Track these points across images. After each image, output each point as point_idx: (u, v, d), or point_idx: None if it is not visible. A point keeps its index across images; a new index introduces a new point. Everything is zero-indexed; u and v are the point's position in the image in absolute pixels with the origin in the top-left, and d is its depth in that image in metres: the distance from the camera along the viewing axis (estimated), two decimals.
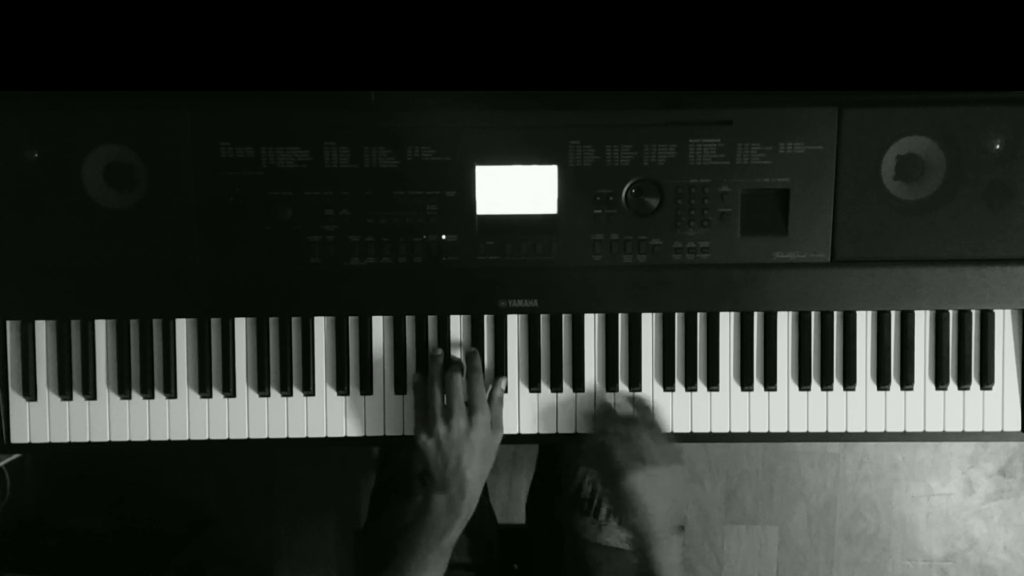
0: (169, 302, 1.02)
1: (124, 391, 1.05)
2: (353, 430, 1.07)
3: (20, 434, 1.06)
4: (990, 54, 0.96)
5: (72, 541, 1.75)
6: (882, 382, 1.06)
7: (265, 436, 1.07)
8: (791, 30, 0.96)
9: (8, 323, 1.05)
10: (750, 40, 0.97)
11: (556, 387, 1.06)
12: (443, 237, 1.01)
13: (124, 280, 1.01)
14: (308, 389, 1.06)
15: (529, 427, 1.07)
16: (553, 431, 1.07)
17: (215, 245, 1.01)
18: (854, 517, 1.90)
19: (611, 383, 1.06)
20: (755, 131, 0.99)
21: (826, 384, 1.07)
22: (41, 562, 1.68)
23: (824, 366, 1.07)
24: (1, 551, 1.69)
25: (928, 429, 1.07)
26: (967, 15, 0.95)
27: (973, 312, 1.06)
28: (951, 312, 1.06)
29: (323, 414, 1.07)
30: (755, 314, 1.06)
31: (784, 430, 1.07)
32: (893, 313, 1.06)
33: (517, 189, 1.01)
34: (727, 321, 1.07)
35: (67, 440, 1.06)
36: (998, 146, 0.99)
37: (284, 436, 1.07)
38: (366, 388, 1.07)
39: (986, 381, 1.06)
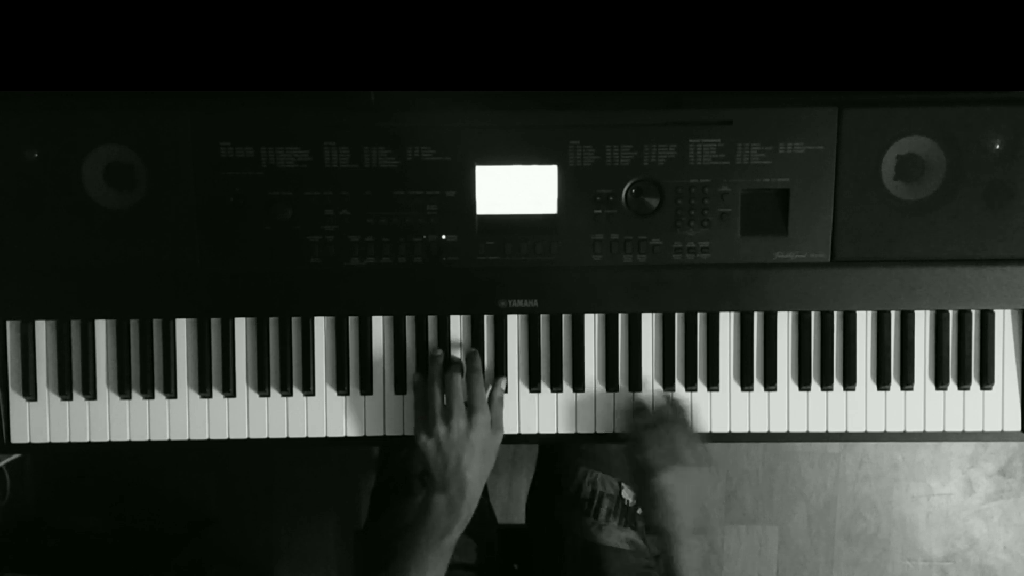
0: (169, 302, 1.02)
1: (124, 391, 1.05)
2: (353, 430, 1.07)
3: (20, 434, 1.06)
4: (990, 54, 0.96)
5: (72, 541, 1.75)
6: (882, 382, 1.06)
7: (265, 436, 1.07)
8: (791, 30, 0.96)
9: (8, 323, 1.05)
10: (750, 40, 0.97)
11: (556, 387, 1.06)
12: (443, 237, 1.01)
13: (124, 280, 1.01)
14: (308, 389, 1.06)
15: (529, 427, 1.07)
16: (553, 431, 1.07)
17: (215, 245, 1.01)
18: (854, 517, 1.90)
19: (611, 383, 1.06)
20: (755, 131, 0.99)
21: (826, 384, 1.07)
22: (41, 562, 1.68)
23: (824, 366, 1.07)
24: (1, 551, 1.69)
25: (928, 429, 1.07)
26: (967, 15, 0.95)
27: (973, 312, 1.06)
28: (951, 312, 1.06)
29: (323, 414, 1.07)
30: (755, 314, 1.06)
31: (784, 430, 1.07)
32: (893, 313, 1.06)
33: (517, 189, 1.01)
34: (727, 321, 1.07)
35: (67, 440, 1.06)
36: (998, 146, 0.99)
37: (284, 436, 1.07)
38: (366, 388, 1.07)
39: (986, 381, 1.06)
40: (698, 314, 1.06)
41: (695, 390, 1.06)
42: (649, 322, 1.07)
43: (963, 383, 1.06)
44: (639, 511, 1.20)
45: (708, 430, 1.07)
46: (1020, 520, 1.90)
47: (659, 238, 1.01)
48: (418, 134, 0.99)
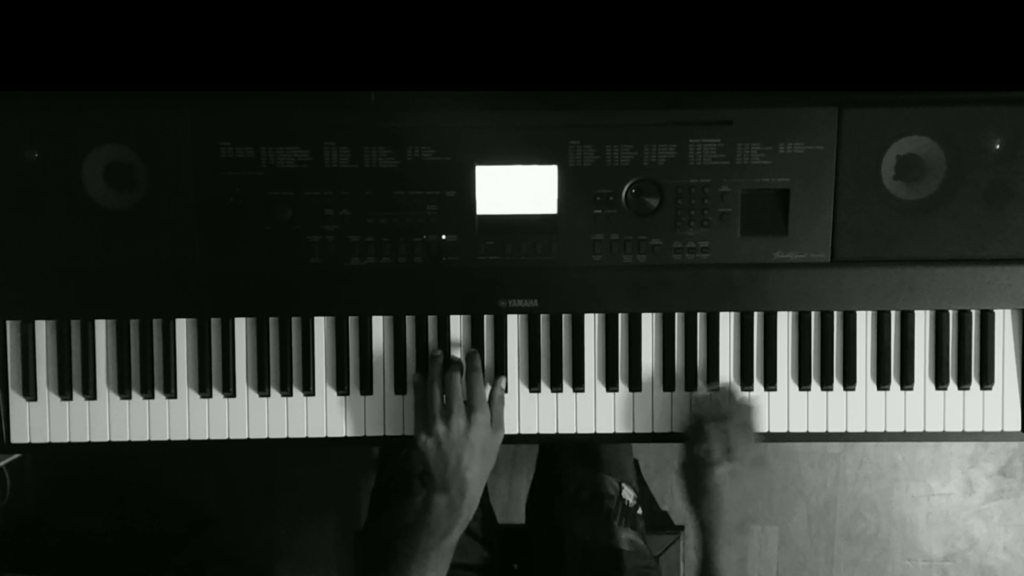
0: (169, 302, 1.02)
1: (124, 391, 1.05)
2: (353, 430, 1.07)
3: (20, 434, 1.06)
4: (990, 54, 0.96)
5: (72, 541, 1.75)
6: (882, 382, 1.06)
7: (265, 436, 1.07)
8: (791, 30, 0.96)
9: (8, 323, 1.05)
10: (750, 40, 0.97)
11: (556, 387, 1.06)
12: (443, 237, 1.01)
13: (124, 280, 1.01)
14: (308, 389, 1.06)
15: (529, 427, 1.07)
16: (553, 431, 1.07)
17: (215, 245, 1.01)
18: (854, 517, 1.90)
19: (611, 383, 1.06)
20: (755, 131, 0.99)
21: (826, 384, 1.07)
22: (41, 562, 1.68)
23: (824, 366, 1.07)
24: (1, 551, 1.69)
25: (928, 429, 1.07)
26: (967, 15, 0.95)
27: (973, 312, 1.06)
28: (951, 312, 1.06)
29: (323, 414, 1.07)
30: (755, 314, 1.06)
31: (784, 430, 1.07)
32: (893, 313, 1.06)
33: (517, 189, 1.01)
34: (727, 321, 1.07)
35: (67, 440, 1.06)
36: (998, 146, 0.99)
37: (284, 436, 1.07)
38: (366, 388, 1.07)
39: (986, 381, 1.06)
40: (698, 314, 1.06)
41: (695, 390, 1.06)
42: (649, 322, 1.07)
43: (963, 383, 1.06)
44: (639, 511, 1.20)
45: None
46: (1020, 520, 1.90)
47: (659, 238, 1.01)
48: (418, 134, 0.99)
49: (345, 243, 1.01)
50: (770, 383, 1.06)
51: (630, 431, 1.07)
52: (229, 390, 1.06)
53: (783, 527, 1.90)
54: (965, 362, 1.06)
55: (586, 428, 1.07)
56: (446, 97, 0.99)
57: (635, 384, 1.06)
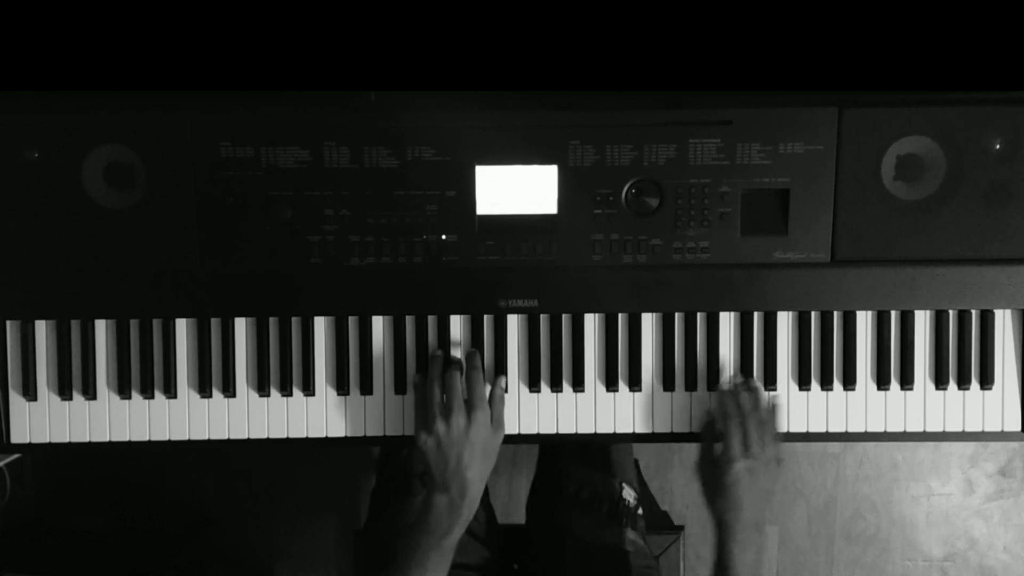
0: (169, 302, 1.02)
1: (124, 391, 1.05)
2: (353, 430, 1.07)
3: (20, 434, 1.06)
4: (990, 54, 0.96)
5: (72, 541, 1.75)
6: (882, 382, 1.06)
7: (265, 436, 1.07)
8: (791, 30, 0.96)
9: (8, 323, 1.05)
10: (750, 40, 0.97)
11: (556, 387, 1.06)
12: (443, 237, 1.01)
13: (124, 280, 1.01)
14: (308, 389, 1.06)
15: (529, 427, 1.07)
16: (553, 431, 1.07)
17: (215, 245, 1.01)
18: (854, 517, 1.90)
19: (611, 383, 1.06)
20: (755, 131, 0.99)
21: (826, 384, 1.07)
22: (41, 562, 1.68)
23: (824, 366, 1.07)
24: (1, 551, 1.69)
25: (928, 429, 1.07)
26: (967, 15, 0.95)
27: (973, 312, 1.06)
28: (951, 312, 1.06)
29: (323, 414, 1.07)
30: (755, 314, 1.06)
31: (784, 430, 1.07)
32: (893, 313, 1.06)
33: (517, 189, 1.01)
34: (727, 321, 1.07)
35: (67, 440, 1.06)
36: (998, 146, 0.99)
37: (284, 436, 1.07)
38: (366, 388, 1.07)
39: (986, 381, 1.06)
40: (698, 314, 1.06)
41: (695, 390, 1.06)
42: (649, 322, 1.07)
43: (963, 383, 1.06)
44: (640, 511, 1.20)
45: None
46: (1020, 520, 1.90)
47: (659, 238, 1.01)
48: (418, 134, 0.99)
49: (345, 243, 1.01)
50: (770, 383, 1.06)
51: (630, 431, 1.07)
52: (229, 390, 1.06)
53: (783, 527, 1.90)
54: (965, 362, 1.06)
55: (586, 428, 1.07)
56: (446, 97, 0.99)
57: (635, 384, 1.06)
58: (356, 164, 1.00)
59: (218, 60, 0.96)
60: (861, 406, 1.07)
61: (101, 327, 1.05)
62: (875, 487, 1.89)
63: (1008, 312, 1.06)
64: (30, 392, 1.05)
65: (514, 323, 1.07)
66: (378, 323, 1.07)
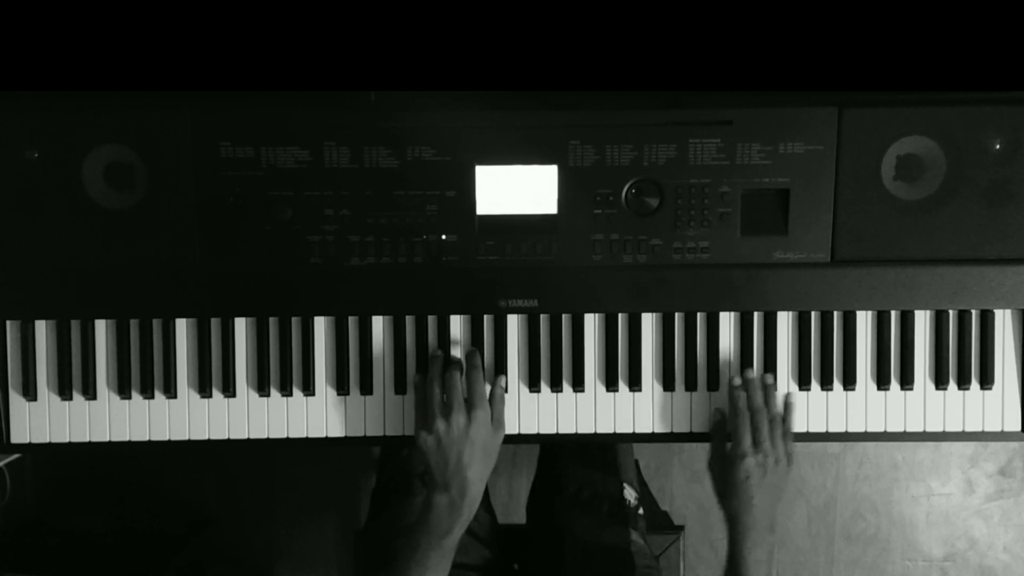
0: (169, 302, 1.02)
1: (124, 391, 1.05)
2: (353, 430, 1.07)
3: (20, 434, 1.06)
4: (990, 54, 0.96)
5: (72, 541, 1.75)
6: (882, 382, 1.06)
7: (265, 436, 1.07)
8: (791, 30, 0.96)
9: (8, 323, 1.05)
10: (750, 40, 0.97)
11: (556, 387, 1.06)
12: (443, 237, 1.01)
13: (124, 280, 1.01)
14: (308, 389, 1.06)
15: (529, 427, 1.07)
16: (553, 431, 1.07)
17: (215, 245, 1.01)
18: (854, 517, 1.90)
19: (611, 383, 1.06)
20: (755, 131, 0.99)
21: (826, 384, 1.07)
22: (41, 562, 1.68)
23: (824, 366, 1.07)
24: (1, 551, 1.69)
25: (928, 429, 1.07)
26: (967, 15, 0.95)
27: (973, 312, 1.06)
28: (951, 312, 1.06)
29: (323, 414, 1.07)
30: (755, 314, 1.06)
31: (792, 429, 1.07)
32: (893, 313, 1.06)
33: (517, 189, 1.01)
34: (727, 321, 1.07)
35: (67, 440, 1.06)
36: (998, 146, 0.99)
37: (284, 436, 1.07)
38: (366, 388, 1.07)
39: (986, 381, 1.06)
40: (698, 314, 1.06)
41: (695, 390, 1.06)
42: (649, 322, 1.07)
43: (963, 383, 1.06)
44: (640, 511, 1.20)
45: (708, 430, 1.07)
46: (1020, 520, 1.90)
47: (659, 238, 1.01)
48: (418, 134, 0.99)
49: (345, 243, 1.01)
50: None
51: (630, 431, 1.07)
52: (229, 390, 1.06)
53: (783, 527, 1.90)
54: (965, 362, 1.06)
55: (586, 428, 1.07)
56: (446, 97, 0.99)
57: (635, 384, 1.06)
58: (356, 164, 1.00)
59: (218, 60, 0.96)
60: (861, 406, 1.07)
61: (101, 327, 1.06)
62: (875, 487, 1.89)
63: (1008, 312, 1.06)
64: (30, 392, 1.05)
65: (514, 323, 1.07)
66: (378, 323, 1.06)
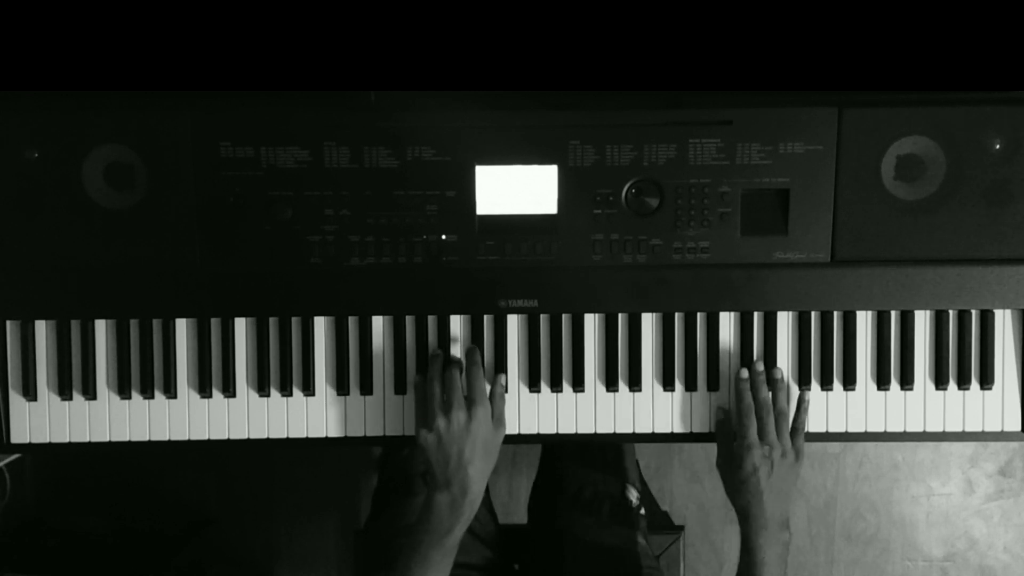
0: (169, 302, 1.02)
1: (124, 391, 1.05)
2: (353, 430, 1.07)
3: (20, 434, 1.06)
4: (990, 54, 0.96)
5: (72, 541, 1.75)
6: (882, 382, 1.06)
7: (265, 436, 1.07)
8: (791, 30, 0.96)
9: (8, 323, 1.05)
10: (750, 40, 0.97)
11: (556, 387, 1.06)
12: (443, 237, 1.01)
13: (124, 280, 1.01)
14: (308, 389, 1.06)
15: (529, 427, 1.07)
16: (553, 431, 1.07)
17: (215, 245, 1.01)
18: (854, 517, 1.90)
19: (611, 383, 1.06)
20: (755, 131, 0.99)
21: (826, 384, 1.07)
22: (41, 562, 1.68)
23: (824, 366, 1.07)
24: (1, 551, 1.69)
25: (928, 429, 1.07)
26: (967, 15, 0.95)
27: (973, 312, 1.06)
28: (951, 312, 1.06)
29: (323, 414, 1.07)
30: (755, 314, 1.06)
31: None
32: (893, 313, 1.06)
33: (517, 189, 1.01)
34: (727, 321, 1.07)
35: (67, 440, 1.06)
36: (998, 146, 0.99)
37: (284, 436, 1.07)
38: (366, 388, 1.07)
39: (986, 381, 1.06)
40: (698, 314, 1.06)
41: (695, 390, 1.06)
42: (649, 322, 1.07)
43: (963, 383, 1.06)
44: (642, 511, 1.20)
45: (708, 430, 1.07)
46: (1020, 520, 1.90)
47: (659, 238, 1.01)
48: (418, 134, 0.99)
49: (345, 243, 1.01)
50: (770, 383, 1.06)
51: (630, 431, 1.07)
52: (229, 390, 1.06)
53: None
54: (965, 362, 1.06)
55: (586, 428, 1.07)
56: (446, 97, 0.99)
57: (635, 384, 1.06)
58: (356, 164, 1.00)
59: (218, 60, 0.96)
60: (861, 406, 1.07)
61: (101, 327, 1.06)
62: (875, 487, 1.89)
63: (1008, 312, 1.06)
64: (30, 392, 1.05)
65: (514, 323, 1.07)
66: (378, 323, 1.07)
